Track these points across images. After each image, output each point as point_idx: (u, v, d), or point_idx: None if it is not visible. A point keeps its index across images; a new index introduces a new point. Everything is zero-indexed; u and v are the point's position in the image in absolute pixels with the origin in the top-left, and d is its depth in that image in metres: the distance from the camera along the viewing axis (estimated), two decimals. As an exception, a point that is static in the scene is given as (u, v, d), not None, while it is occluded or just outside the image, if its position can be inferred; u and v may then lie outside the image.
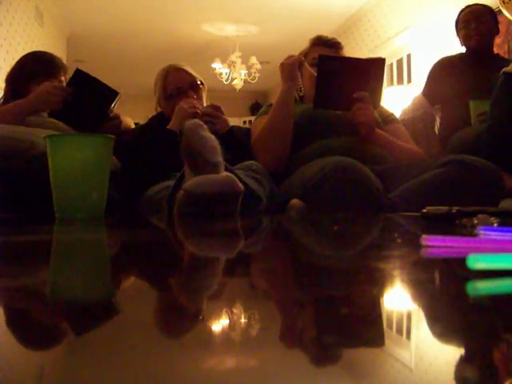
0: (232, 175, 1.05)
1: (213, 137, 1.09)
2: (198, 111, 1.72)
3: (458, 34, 2.45)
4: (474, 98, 2.17)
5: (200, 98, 1.83)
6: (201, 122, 1.10)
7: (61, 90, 1.56)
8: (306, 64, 1.82)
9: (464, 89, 2.26)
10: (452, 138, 2.18)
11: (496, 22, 2.37)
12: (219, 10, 5.64)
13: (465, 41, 2.38)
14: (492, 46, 2.40)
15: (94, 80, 1.60)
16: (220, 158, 1.08)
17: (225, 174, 1.05)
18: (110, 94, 1.62)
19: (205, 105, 1.83)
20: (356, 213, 1.27)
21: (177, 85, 1.83)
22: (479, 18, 2.30)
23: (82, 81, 1.60)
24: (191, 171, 1.09)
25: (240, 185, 1.05)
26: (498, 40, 2.54)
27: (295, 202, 1.32)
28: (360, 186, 1.32)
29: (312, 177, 1.39)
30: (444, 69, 2.40)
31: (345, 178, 1.32)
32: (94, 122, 1.61)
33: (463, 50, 2.46)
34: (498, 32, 2.40)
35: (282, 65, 1.75)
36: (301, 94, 1.87)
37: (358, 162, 1.38)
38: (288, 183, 1.58)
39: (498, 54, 2.49)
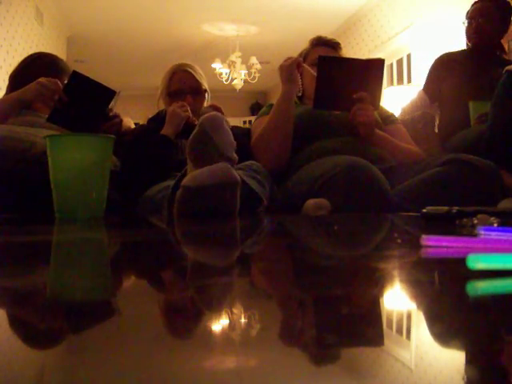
0: (227, 164, 1.05)
1: (231, 133, 1.10)
2: (190, 115, 1.73)
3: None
4: (474, 97, 2.16)
5: (198, 104, 1.83)
6: (223, 116, 1.10)
7: (55, 85, 1.55)
8: (305, 65, 1.83)
9: (464, 86, 2.26)
10: (452, 138, 2.18)
11: (505, 21, 2.33)
12: (219, 9, 5.64)
13: (467, 37, 2.37)
14: (495, 45, 2.38)
15: (91, 81, 1.59)
16: (235, 155, 1.08)
17: (220, 164, 1.04)
18: (108, 94, 1.62)
19: None
20: (365, 212, 1.27)
21: (179, 86, 1.84)
22: (483, 16, 2.28)
23: (79, 83, 1.59)
24: (196, 167, 1.08)
25: (236, 175, 1.05)
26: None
27: (322, 201, 1.29)
28: (373, 187, 1.32)
29: (322, 175, 1.39)
30: (445, 65, 2.39)
31: (358, 178, 1.32)
32: (93, 123, 1.61)
33: (464, 46, 2.45)
34: (505, 31, 2.36)
35: (281, 67, 1.76)
36: (299, 94, 1.87)
37: (369, 162, 1.38)
38: (293, 181, 1.58)
39: (499, 54, 2.47)
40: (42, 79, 1.55)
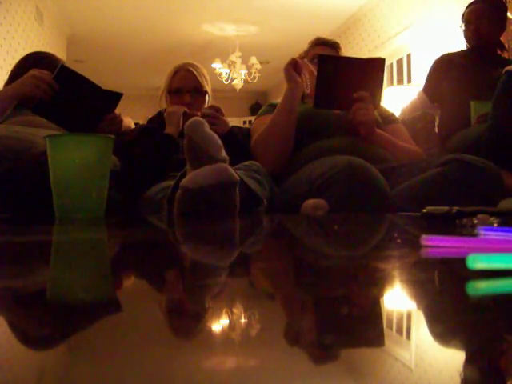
0: (225, 164, 1.05)
1: (215, 134, 1.10)
2: (186, 109, 1.76)
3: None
4: (474, 97, 2.16)
5: (197, 103, 1.84)
6: (203, 120, 1.11)
7: (48, 77, 1.54)
8: (306, 61, 1.83)
9: (464, 86, 2.26)
10: (452, 138, 2.18)
11: (502, 19, 2.33)
12: (219, 10, 5.64)
13: (466, 39, 2.38)
14: (495, 45, 2.38)
15: (79, 76, 1.58)
16: (225, 154, 1.08)
17: (218, 164, 1.04)
18: (96, 91, 1.60)
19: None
20: (364, 213, 1.27)
21: (180, 84, 1.86)
22: (480, 18, 2.28)
23: (67, 77, 1.57)
24: (194, 170, 1.08)
25: (234, 173, 1.05)
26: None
27: (319, 201, 1.29)
28: (371, 187, 1.32)
29: (321, 175, 1.39)
30: (445, 65, 2.39)
31: (356, 178, 1.32)
32: (81, 119, 1.59)
33: (464, 46, 2.45)
34: (503, 29, 2.36)
35: (284, 69, 1.78)
36: (307, 91, 1.86)
37: (367, 162, 1.38)
38: (293, 181, 1.58)
39: (501, 52, 2.48)
40: (35, 72, 1.54)
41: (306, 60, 1.84)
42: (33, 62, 1.81)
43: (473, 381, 0.18)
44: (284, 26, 6.12)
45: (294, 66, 1.75)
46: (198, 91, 1.87)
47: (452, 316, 0.27)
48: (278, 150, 1.72)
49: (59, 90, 1.54)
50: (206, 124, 1.10)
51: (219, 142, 1.09)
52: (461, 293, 0.33)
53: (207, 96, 1.91)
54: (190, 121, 1.09)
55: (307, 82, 1.81)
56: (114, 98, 1.65)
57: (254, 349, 0.21)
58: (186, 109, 1.77)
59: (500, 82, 1.77)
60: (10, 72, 1.86)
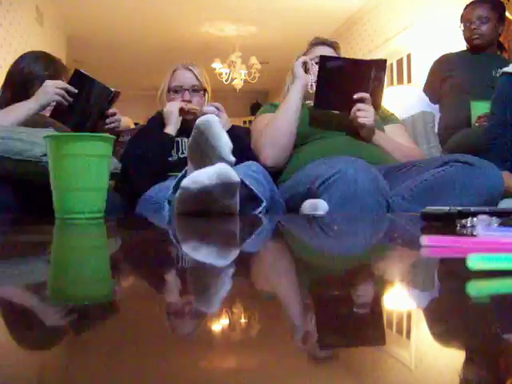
0: (226, 165, 1.05)
1: (226, 134, 1.10)
2: (183, 105, 1.78)
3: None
4: (474, 97, 2.17)
5: (195, 102, 1.85)
6: (217, 117, 1.10)
7: (64, 85, 1.56)
8: (309, 63, 1.85)
9: (464, 86, 2.26)
10: (452, 138, 2.18)
11: (500, 19, 2.33)
12: (219, 10, 5.64)
13: (466, 40, 2.38)
14: (494, 45, 2.38)
15: (93, 80, 1.62)
16: (232, 157, 1.08)
17: (219, 165, 1.04)
18: (108, 93, 1.64)
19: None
20: (364, 213, 1.27)
21: (178, 82, 1.86)
22: (481, 18, 2.29)
23: (82, 81, 1.61)
24: (196, 169, 1.08)
25: (235, 175, 1.05)
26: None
27: (319, 201, 1.29)
28: (371, 187, 1.32)
29: (321, 175, 1.39)
30: (445, 66, 2.39)
31: (356, 178, 1.31)
32: (93, 122, 1.63)
33: (464, 47, 2.45)
34: (502, 29, 2.37)
35: (295, 65, 1.83)
36: (311, 91, 1.87)
37: (366, 162, 1.38)
38: (293, 181, 1.58)
39: (500, 52, 2.48)
40: (49, 83, 1.55)
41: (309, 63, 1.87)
42: (29, 61, 1.81)
43: (473, 381, 0.18)
44: (284, 26, 6.12)
45: (303, 65, 1.80)
46: (197, 89, 1.87)
47: (452, 316, 0.27)
48: (282, 144, 1.72)
49: (75, 95, 1.58)
50: (220, 122, 1.10)
51: (230, 143, 1.09)
52: (461, 293, 0.33)
53: (206, 95, 1.91)
54: (204, 116, 1.08)
55: (312, 82, 1.83)
56: (114, 95, 1.68)
57: (254, 349, 0.21)
58: (182, 104, 1.78)
59: (498, 82, 1.77)
60: (7, 72, 1.86)
